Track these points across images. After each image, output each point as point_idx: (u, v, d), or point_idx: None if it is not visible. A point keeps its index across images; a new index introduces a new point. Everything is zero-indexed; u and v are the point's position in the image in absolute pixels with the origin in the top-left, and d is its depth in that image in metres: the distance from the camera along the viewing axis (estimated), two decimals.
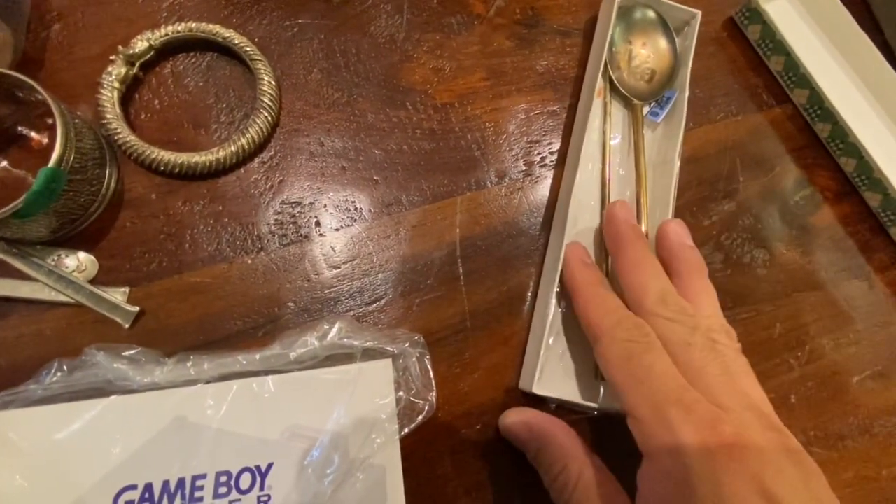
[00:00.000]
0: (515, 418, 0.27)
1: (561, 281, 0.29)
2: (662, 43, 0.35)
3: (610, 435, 0.29)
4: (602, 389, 0.29)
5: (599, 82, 0.33)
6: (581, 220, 0.32)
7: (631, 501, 0.23)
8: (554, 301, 0.29)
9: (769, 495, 0.19)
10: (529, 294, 0.31)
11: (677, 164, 0.32)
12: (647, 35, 0.35)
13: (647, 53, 0.35)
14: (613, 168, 0.33)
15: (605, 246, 0.31)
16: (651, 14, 0.35)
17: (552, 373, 0.29)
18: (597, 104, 0.33)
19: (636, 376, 0.23)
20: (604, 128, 0.34)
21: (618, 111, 0.35)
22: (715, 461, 0.20)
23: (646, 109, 0.35)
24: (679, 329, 0.24)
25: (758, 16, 0.37)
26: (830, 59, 0.39)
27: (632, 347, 0.24)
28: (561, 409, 0.30)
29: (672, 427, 0.21)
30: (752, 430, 0.21)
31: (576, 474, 0.24)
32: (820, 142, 0.37)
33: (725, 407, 0.22)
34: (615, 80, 0.34)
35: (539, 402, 0.29)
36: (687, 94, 0.34)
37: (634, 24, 0.35)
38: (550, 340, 0.29)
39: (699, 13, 0.35)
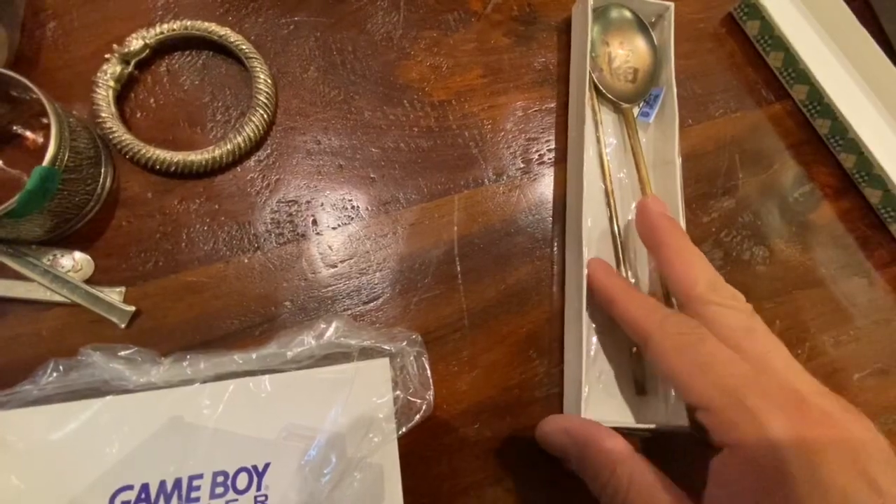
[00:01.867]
0: (553, 426, 0.26)
1: (588, 300, 0.28)
2: (640, 40, 0.35)
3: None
4: (649, 407, 0.28)
5: (586, 92, 0.32)
6: (591, 235, 0.31)
7: (689, 499, 0.22)
8: (586, 325, 0.28)
9: (870, 480, 0.19)
10: (533, 294, 0.31)
11: (678, 162, 0.32)
12: (624, 34, 0.35)
13: (626, 53, 0.35)
14: (614, 175, 0.33)
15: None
16: (624, 12, 0.35)
17: (596, 399, 0.28)
18: (588, 115, 0.32)
19: (700, 365, 0.22)
20: (597, 135, 0.33)
21: (607, 115, 0.34)
22: (810, 447, 0.19)
23: (635, 111, 0.34)
24: (738, 315, 0.24)
25: (756, 11, 0.37)
26: (830, 54, 0.38)
27: (686, 339, 0.23)
28: None
29: (756, 414, 0.20)
30: (838, 415, 0.20)
31: (626, 478, 0.23)
32: (819, 138, 0.37)
33: (802, 392, 0.21)
34: (601, 87, 0.33)
35: None
36: (675, 89, 0.33)
37: (609, 25, 0.35)
38: (586, 366, 0.28)
39: (672, 5, 0.34)
